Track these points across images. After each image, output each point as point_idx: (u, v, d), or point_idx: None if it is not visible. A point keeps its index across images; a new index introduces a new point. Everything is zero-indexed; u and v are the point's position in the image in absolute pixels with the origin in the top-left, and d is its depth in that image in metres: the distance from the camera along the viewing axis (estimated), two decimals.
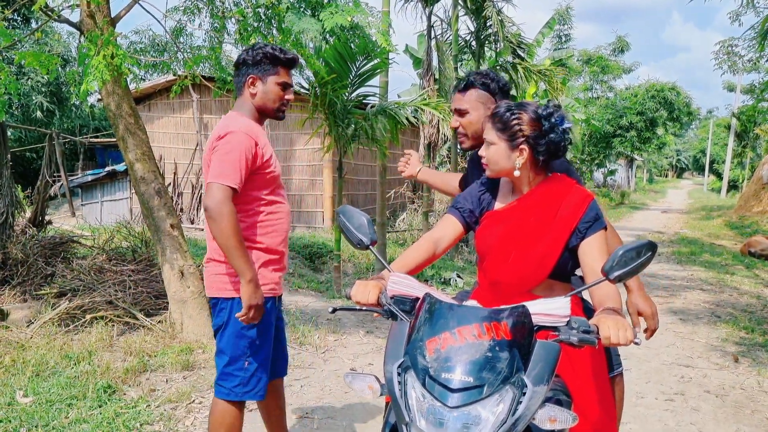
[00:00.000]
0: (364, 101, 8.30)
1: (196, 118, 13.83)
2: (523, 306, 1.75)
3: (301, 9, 4.79)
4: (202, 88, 13.14)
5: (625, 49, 31.82)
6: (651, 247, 1.83)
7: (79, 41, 5.29)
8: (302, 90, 7.88)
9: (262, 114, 2.84)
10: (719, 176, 46.37)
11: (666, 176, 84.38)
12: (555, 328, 1.81)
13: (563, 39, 29.30)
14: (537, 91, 17.80)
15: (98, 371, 4.53)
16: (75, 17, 5.42)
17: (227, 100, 13.52)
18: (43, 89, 21.24)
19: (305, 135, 12.09)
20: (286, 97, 2.83)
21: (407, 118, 8.01)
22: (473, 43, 12.18)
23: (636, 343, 1.80)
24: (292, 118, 12.78)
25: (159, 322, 5.55)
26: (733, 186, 39.50)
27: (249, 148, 2.63)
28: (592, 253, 2.18)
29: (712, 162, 51.64)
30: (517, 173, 2.23)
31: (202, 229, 12.72)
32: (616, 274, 1.81)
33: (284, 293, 7.44)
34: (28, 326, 5.44)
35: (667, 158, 69.82)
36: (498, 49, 11.88)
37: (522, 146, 2.19)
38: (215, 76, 6.05)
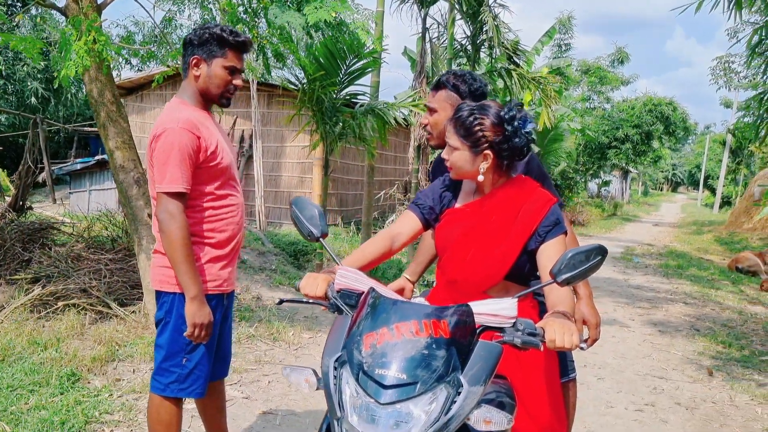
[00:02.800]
0: (353, 100, 8.26)
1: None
2: (467, 305, 1.73)
3: (286, 2, 4.75)
4: None
5: (624, 61, 31.94)
6: (600, 252, 1.81)
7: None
8: (290, 86, 7.85)
9: (206, 99, 2.70)
10: (713, 192, 46.52)
11: (661, 189, 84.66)
12: (501, 329, 1.78)
13: (563, 48, 29.41)
14: (533, 99, 17.81)
15: (65, 359, 4.48)
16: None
17: None
18: (39, 75, 21.17)
19: (296, 132, 12.07)
20: (234, 82, 2.68)
21: (395, 119, 7.99)
22: (469, 47, 12.15)
23: (581, 348, 1.79)
24: (282, 113, 12.77)
25: (132, 312, 5.50)
26: (727, 202, 39.60)
27: (188, 143, 2.50)
28: (550, 257, 2.14)
29: (707, 177, 51.77)
30: (481, 178, 2.21)
31: None
32: (564, 277, 1.78)
33: (265, 289, 7.45)
34: None
35: (662, 172, 70.05)
36: (494, 55, 11.86)
37: (486, 152, 2.16)
38: None
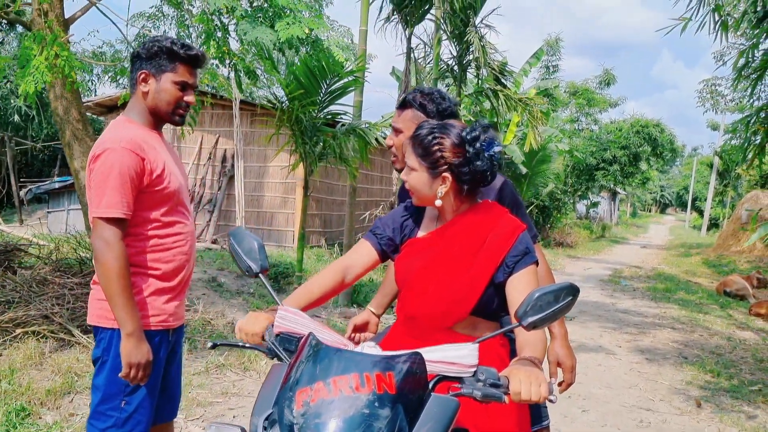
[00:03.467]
0: (335, 119, 8.09)
1: (170, 128, 13.56)
2: (418, 353, 1.52)
3: (258, 18, 4.57)
4: None
5: (611, 83, 32.04)
6: (571, 291, 1.60)
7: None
8: (269, 105, 7.68)
9: (156, 117, 2.50)
10: (701, 213, 46.62)
11: (650, 211, 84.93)
12: (460, 379, 1.58)
13: (551, 69, 29.49)
14: (520, 121, 17.72)
15: (18, 391, 4.22)
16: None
17: (201, 114, 13.29)
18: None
19: (281, 152, 11.87)
20: (185, 99, 2.48)
21: (377, 139, 7.82)
22: (455, 67, 12.04)
23: (551, 401, 1.58)
24: (265, 133, 12.57)
25: None
26: (714, 224, 39.67)
27: (132, 165, 2.29)
28: (519, 290, 1.93)
29: (694, 199, 51.93)
30: (438, 202, 2.01)
31: None
32: (530, 320, 1.58)
33: (241, 314, 7.19)
34: None
35: (651, 193, 70.29)
36: (480, 75, 11.75)
37: (444, 174, 1.97)
38: None
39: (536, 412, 2.29)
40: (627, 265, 17.83)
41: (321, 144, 7.61)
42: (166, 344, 2.50)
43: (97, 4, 5.44)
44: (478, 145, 1.94)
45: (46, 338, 5.20)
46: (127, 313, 2.26)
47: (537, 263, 2.01)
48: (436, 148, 1.96)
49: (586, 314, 9.48)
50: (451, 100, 2.51)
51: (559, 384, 2.30)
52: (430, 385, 1.55)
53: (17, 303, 5.53)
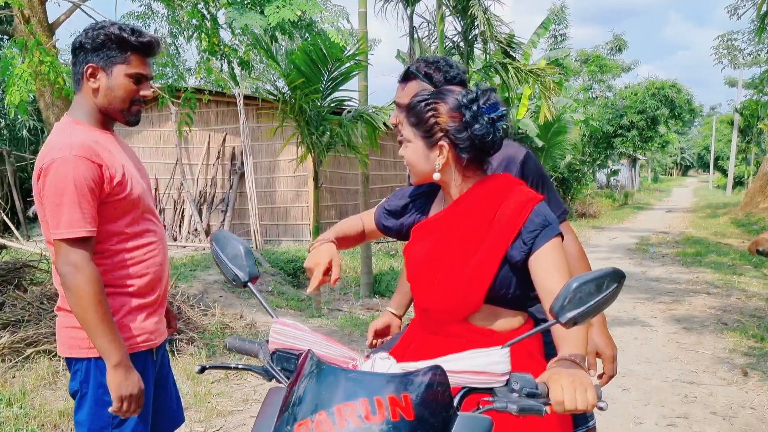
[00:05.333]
0: (340, 107, 7.82)
1: (173, 129, 13.36)
2: (437, 366, 1.26)
3: (247, 4, 4.32)
4: None
5: (622, 48, 31.39)
6: (616, 278, 1.33)
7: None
8: (270, 96, 7.43)
9: (107, 117, 2.17)
10: (724, 173, 45.81)
11: (671, 174, 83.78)
12: (491, 390, 1.32)
13: (559, 39, 28.93)
14: (533, 93, 17.32)
15: (30, 414, 4.05)
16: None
17: (206, 112, 13.08)
18: (28, 108, 20.86)
19: (289, 145, 11.64)
20: (141, 93, 2.16)
21: (385, 123, 7.54)
22: (461, 43, 11.71)
23: (600, 408, 1.32)
24: (270, 126, 12.34)
25: None
26: (739, 182, 38.93)
27: (88, 175, 1.98)
28: (546, 269, 1.67)
29: (716, 159, 51.06)
30: (437, 176, 1.76)
31: (185, 246, 12.26)
32: (570, 315, 1.31)
33: (260, 314, 6.99)
34: None
35: (671, 156, 69.26)
36: (488, 50, 11.42)
37: (441, 143, 1.73)
38: (165, 87, 5.60)
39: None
40: (653, 232, 17.43)
41: (328, 133, 7.35)
42: (152, 366, 2.23)
43: (81, 6, 5.21)
44: (475, 107, 1.69)
45: (59, 356, 5.03)
46: (110, 342, 1.98)
47: (561, 236, 1.74)
48: (430, 114, 1.73)
49: None
50: (460, 68, 2.24)
51: (599, 376, 2.05)
52: (456, 401, 1.29)
53: (27, 322, 5.36)
